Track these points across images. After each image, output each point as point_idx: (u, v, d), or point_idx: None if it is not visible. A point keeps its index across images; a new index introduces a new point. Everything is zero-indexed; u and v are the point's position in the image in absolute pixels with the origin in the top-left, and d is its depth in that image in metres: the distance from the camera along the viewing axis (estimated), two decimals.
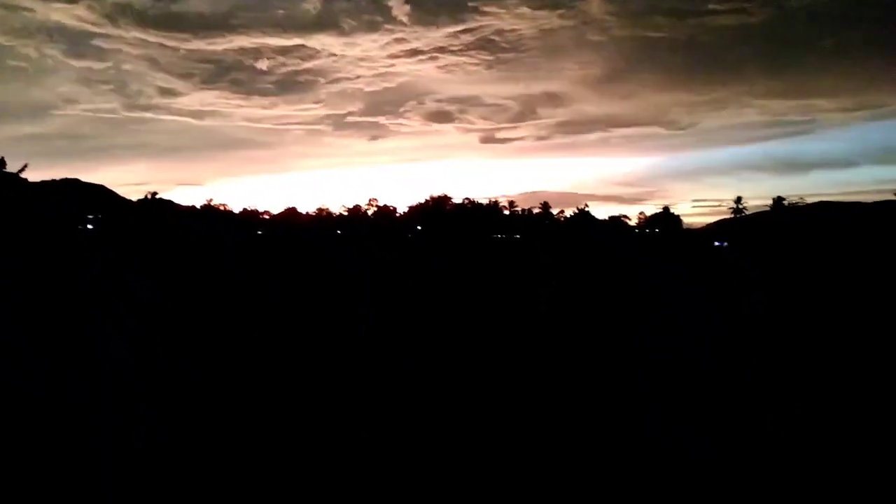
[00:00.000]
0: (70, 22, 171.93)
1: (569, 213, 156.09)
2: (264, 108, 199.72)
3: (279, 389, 8.92)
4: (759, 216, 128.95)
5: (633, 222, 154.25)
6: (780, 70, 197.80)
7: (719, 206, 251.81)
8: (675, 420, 8.55)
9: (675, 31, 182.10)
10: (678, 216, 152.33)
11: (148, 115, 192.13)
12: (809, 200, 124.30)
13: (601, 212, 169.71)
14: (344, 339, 13.39)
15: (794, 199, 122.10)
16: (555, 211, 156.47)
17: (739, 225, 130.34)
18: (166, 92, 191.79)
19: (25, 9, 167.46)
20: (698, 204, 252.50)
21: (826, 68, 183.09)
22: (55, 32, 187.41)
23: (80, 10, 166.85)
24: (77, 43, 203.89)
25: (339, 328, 14.60)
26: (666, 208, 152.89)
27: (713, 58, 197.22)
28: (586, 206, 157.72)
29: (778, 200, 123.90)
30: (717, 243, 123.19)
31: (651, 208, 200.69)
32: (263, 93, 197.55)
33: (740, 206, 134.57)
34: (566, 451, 7.13)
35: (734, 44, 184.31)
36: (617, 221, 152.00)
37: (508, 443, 7.61)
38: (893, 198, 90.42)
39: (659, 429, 8.23)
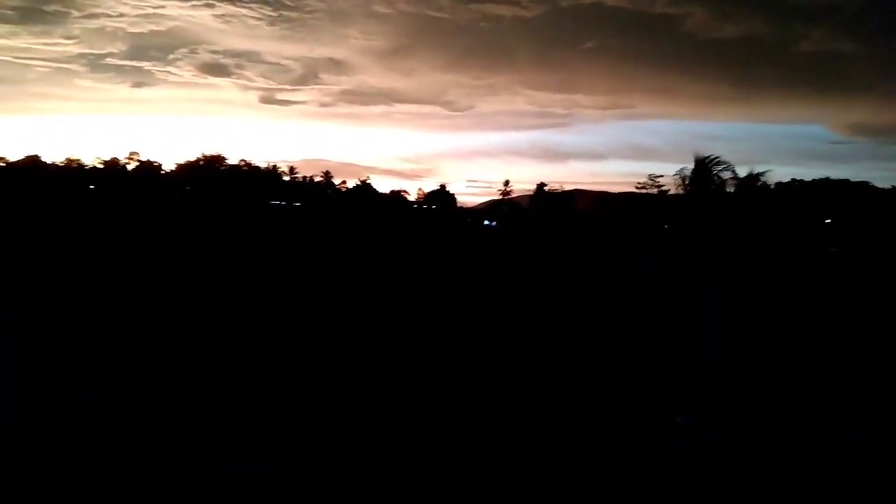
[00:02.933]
0: None
1: (351, 184, 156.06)
2: (1, 37, 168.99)
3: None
4: (525, 199, 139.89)
5: (412, 198, 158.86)
6: (548, 64, 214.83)
7: (489, 187, 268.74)
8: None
9: (457, 15, 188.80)
10: (453, 194, 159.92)
11: None
12: (567, 187, 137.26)
13: (382, 185, 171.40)
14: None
15: (555, 186, 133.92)
16: (336, 181, 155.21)
17: (506, 206, 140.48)
18: None
19: None
20: (472, 184, 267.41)
21: (587, 68, 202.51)
22: None
23: None
24: None
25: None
26: (443, 186, 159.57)
27: (490, 45, 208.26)
28: (368, 178, 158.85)
29: (540, 186, 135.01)
30: (486, 222, 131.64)
31: (429, 185, 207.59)
32: (1, 20, 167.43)
33: (508, 189, 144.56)
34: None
35: (509, 34, 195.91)
36: (398, 196, 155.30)
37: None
38: (635, 190, 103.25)
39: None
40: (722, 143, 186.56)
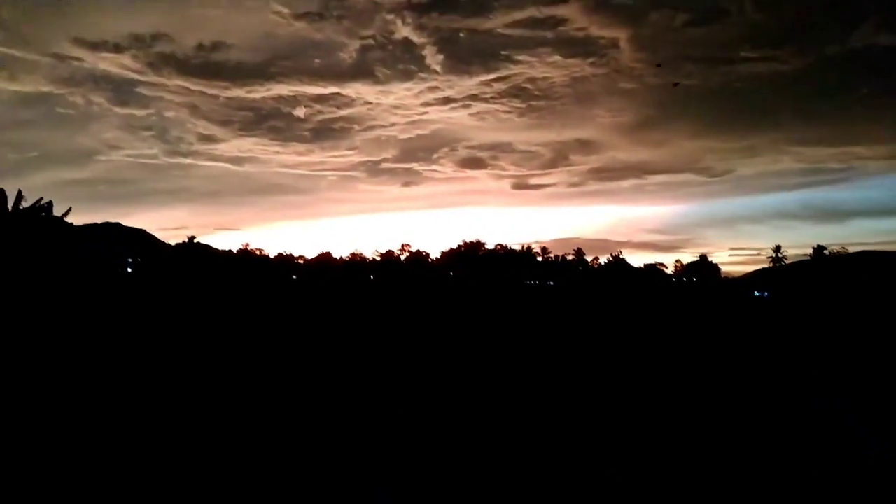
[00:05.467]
0: (116, 70, 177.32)
1: (603, 259, 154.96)
2: (300, 154, 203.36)
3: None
4: (800, 265, 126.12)
5: (669, 270, 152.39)
6: (817, 117, 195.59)
7: (758, 254, 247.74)
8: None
9: (707, 79, 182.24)
10: (716, 265, 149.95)
11: (188, 160, 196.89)
12: (851, 250, 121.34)
13: (636, 259, 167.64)
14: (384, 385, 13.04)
15: (835, 248, 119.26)
16: (589, 258, 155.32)
17: (780, 274, 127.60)
18: (206, 138, 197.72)
19: (75, 58, 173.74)
20: (736, 252, 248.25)
21: (864, 115, 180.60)
22: (102, 80, 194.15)
23: (125, 59, 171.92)
24: (122, 90, 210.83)
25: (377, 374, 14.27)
26: (703, 256, 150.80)
27: (747, 105, 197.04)
28: (620, 253, 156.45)
29: (819, 249, 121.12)
30: (757, 293, 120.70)
31: (687, 256, 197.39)
32: (300, 139, 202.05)
33: (780, 255, 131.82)
34: None
35: (768, 91, 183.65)
36: (653, 269, 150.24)
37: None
38: None
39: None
40: None
